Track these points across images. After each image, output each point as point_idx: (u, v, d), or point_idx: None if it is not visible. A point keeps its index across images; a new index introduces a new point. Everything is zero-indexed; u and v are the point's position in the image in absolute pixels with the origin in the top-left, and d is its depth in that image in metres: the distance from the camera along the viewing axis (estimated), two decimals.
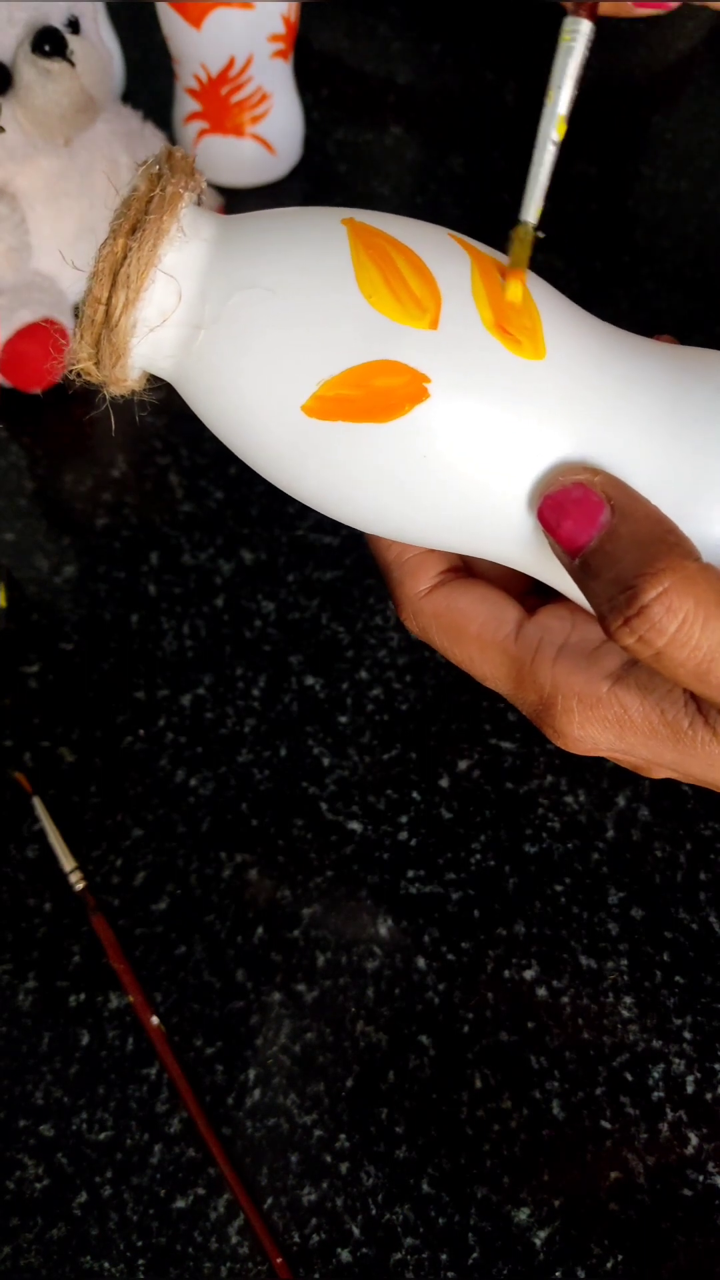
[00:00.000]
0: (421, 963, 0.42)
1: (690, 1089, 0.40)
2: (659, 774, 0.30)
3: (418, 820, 0.45)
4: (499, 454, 0.26)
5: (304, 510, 0.53)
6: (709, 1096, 0.40)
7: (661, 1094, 0.40)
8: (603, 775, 0.46)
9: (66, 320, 0.55)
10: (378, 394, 0.25)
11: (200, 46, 0.58)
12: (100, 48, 0.51)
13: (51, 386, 0.55)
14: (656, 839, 0.45)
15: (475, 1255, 0.37)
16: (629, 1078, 0.40)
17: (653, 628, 0.23)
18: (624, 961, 0.42)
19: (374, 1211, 0.38)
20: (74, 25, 0.50)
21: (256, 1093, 0.40)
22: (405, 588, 0.31)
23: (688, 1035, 0.41)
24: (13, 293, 0.54)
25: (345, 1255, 0.37)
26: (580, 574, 0.25)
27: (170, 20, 0.58)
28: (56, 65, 0.48)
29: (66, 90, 0.49)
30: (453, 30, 0.73)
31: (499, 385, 0.25)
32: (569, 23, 0.26)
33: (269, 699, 0.48)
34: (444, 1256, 0.37)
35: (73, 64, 0.48)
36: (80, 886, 0.43)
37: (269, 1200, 0.38)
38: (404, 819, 0.45)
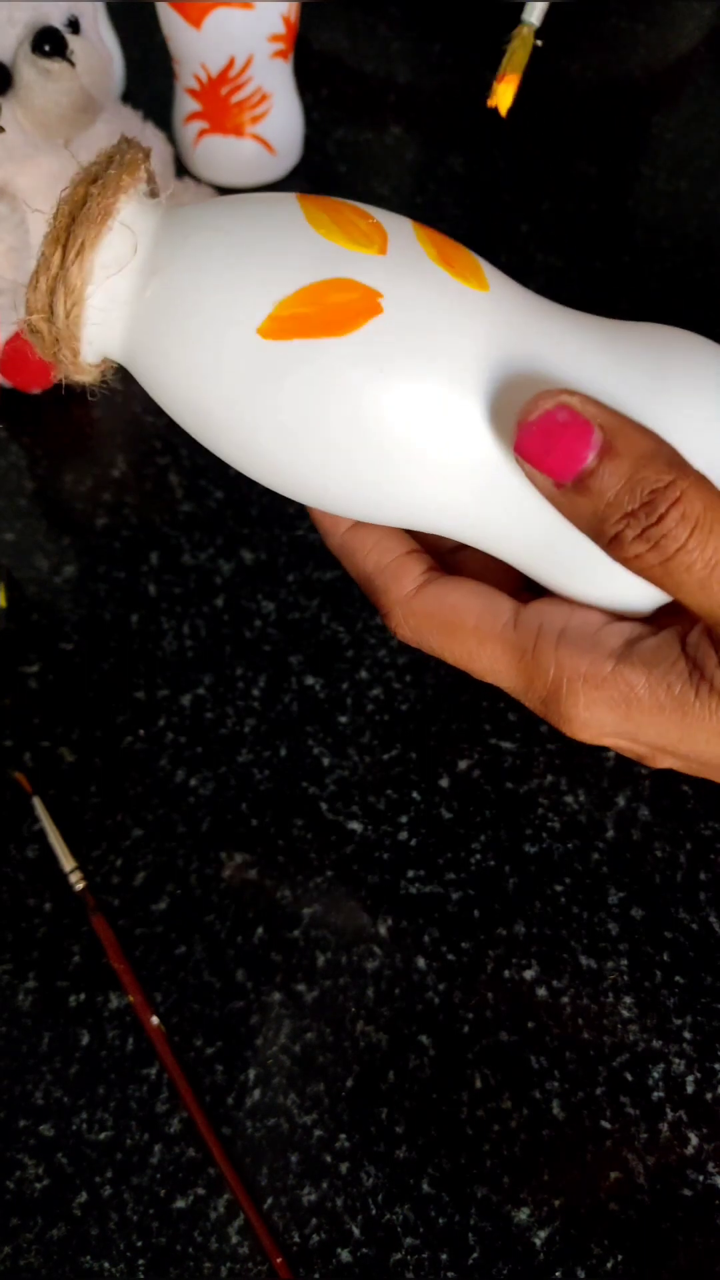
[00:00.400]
0: (421, 963, 0.42)
1: (690, 1089, 0.40)
2: (662, 761, 0.30)
3: (418, 820, 0.45)
4: (453, 371, 0.26)
5: (304, 510, 0.53)
6: (709, 1096, 0.40)
7: (661, 1094, 0.40)
8: (603, 775, 0.46)
9: None
10: (333, 309, 0.25)
11: (200, 46, 0.58)
12: (100, 48, 0.51)
13: (51, 386, 0.55)
14: (656, 839, 0.45)
15: (475, 1255, 0.37)
16: (629, 1078, 0.40)
17: (667, 535, 0.24)
18: (624, 961, 0.42)
19: (374, 1211, 0.38)
20: (74, 25, 0.50)
21: (256, 1093, 0.40)
22: (391, 593, 0.30)
23: (688, 1035, 0.41)
24: (13, 293, 0.54)
25: (345, 1255, 0.37)
26: (573, 495, 0.25)
27: (170, 20, 0.58)
28: (56, 65, 0.48)
29: (66, 90, 0.49)
30: (453, 30, 0.73)
31: (447, 303, 0.26)
32: None
33: (269, 699, 0.48)
34: (444, 1256, 0.37)
35: (73, 64, 0.48)
36: (80, 886, 0.43)
37: (269, 1200, 0.38)
38: (404, 819, 0.45)
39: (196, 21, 0.57)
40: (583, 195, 0.64)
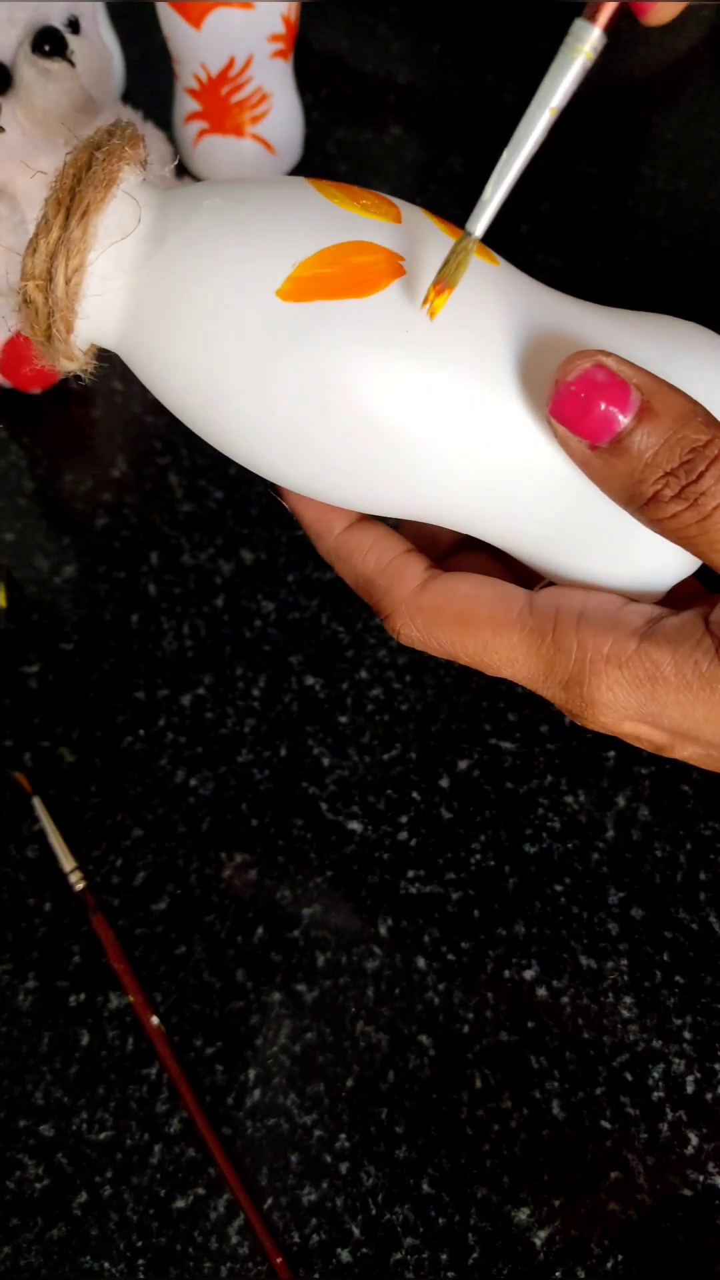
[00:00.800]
0: (421, 963, 0.42)
1: (690, 1089, 0.40)
2: (682, 750, 0.29)
3: (418, 820, 0.45)
4: (478, 334, 0.26)
5: None
6: (709, 1096, 0.40)
7: (661, 1094, 0.40)
8: (603, 775, 0.46)
9: None
10: (356, 269, 0.25)
11: (200, 46, 0.58)
12: (100, 48, 0.51)
13: (51, 386, 0.55)
14: (656, 839, 0.45)
15: (475, 1255, 0.37)
16: (629, 1078, 0.40)
17: (706, 493, 0.24)
18: (624, 961, 0.42)
19: (374, 1211, 0.38)
20: (74, 25, 0.50)
21: (256, 1093, 0.40)
22: (394, 592, 0.29)
23: (688, 1035, 0.41)
24: (12, 293, 0.54)
25: (345, 1255, 0.37)
26: (609, 457, 0.25)
27: (170, 20, 0.58)
28: (56, 65, 0.48)
29: (66, 90, 0.48)
30: (453, 30, 0.72)
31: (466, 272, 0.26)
32: (577, 27, 0.25)
33: (269, 699, 0.48)
34: (444, 1256, 0.37)
35: (73, 64, 0.48)
36: (80, 886, 0.43)
37: (269, 1200, 0.38)
38: (404, 819, 0.45)
39: (196, 21, 0.57)
40: (583, 195, 0.64)
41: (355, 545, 0.30)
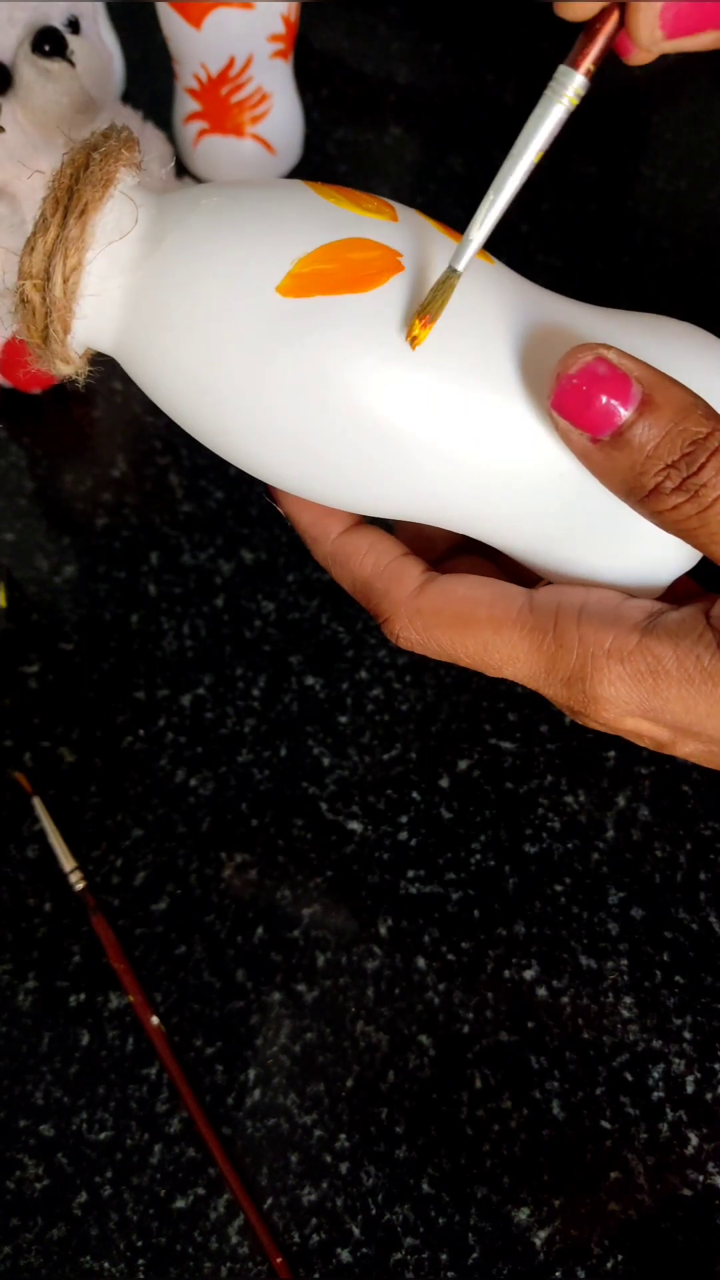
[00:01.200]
0: (421, 963, 0.42)
1: (690, 1089, 0.40)
2: (683, 747, 0.29)
3: (418, 820, 0.45)
4: (477, 329, 0.26)
5: None
6: (709, 1096, 0.40)
7: (661, 1094, 0.40)
8: (603, 775, 0.46)
9: None
10: (356, 265, 0.25)
11: (200, 46, 0.58)
12: (100, 48, 0.51)
13: (51, 387, 0.55)
14: (656, 839, 0.45)
15: (475, 1255, 0.37)
16: (629, 1078, 0.40)
17: (707, 485, 0.24)
18: (624, 961, 0.42)
19: (374, 1211, 0.38)
20: (74, 25, 0.50)
21: (256, 1093, 0.40)
22: (393, 594, 0.29)
23: (688, 1035, 0.41)
24: (10, 293, 0.54)
25: (345, 1255, 0.37)
26: (610, 450, 0.25)
27: (170, 20, 0.58)
28: (56, 65, 0.48)
29: (66, 90, 0.48)
30: (453, 30, 0.72)
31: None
32: (560, 74, 0.25)
33: (269, 699, 0.48)
34: (444, 1256, 0.37)
35: (73, 64, 0.48)
36: (80, 886, 0.43)
37: (269, 1200, 0.38)
38: (404, 819, 0.45)
39: (196, 21, 0.57)
40: (583, 195, 0.64)
41: (352, 549, 0.30)
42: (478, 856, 0.44)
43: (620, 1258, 0.37)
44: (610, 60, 0.26)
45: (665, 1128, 0.39)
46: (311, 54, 0.70)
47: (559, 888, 0.44)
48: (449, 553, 0.33)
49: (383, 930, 0.43)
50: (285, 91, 0.62)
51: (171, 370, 0.26)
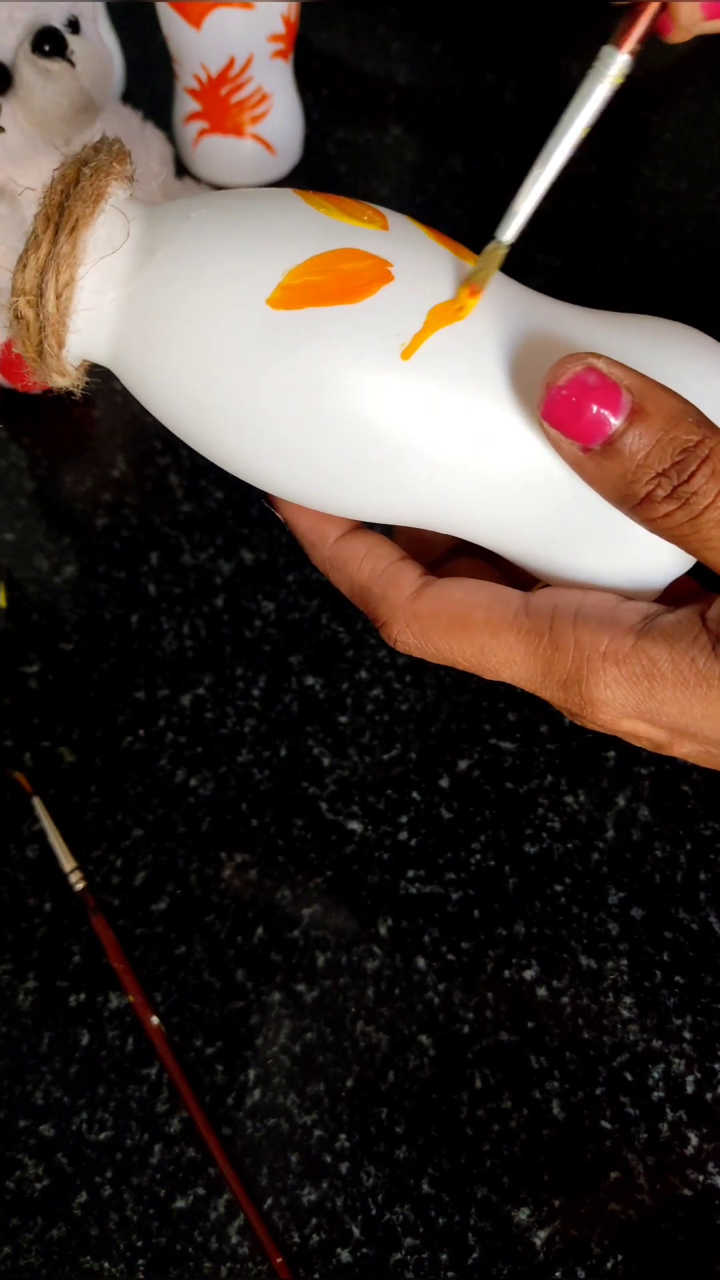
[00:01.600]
0: (421, 963, 0.42)
1: (690, 1089, 0.40)
2: (679, 747, 0.29)
3: (418, 820, 0.45)
4: (468, 338, 0.26)
5: None
6: (709, 1096, 0.40)
7: (661, 1094, 0.40)
8: (603, 775, 0.46)
9: None
10: (345, 276, 0.25)
11: (200, 46, 0.58)
12: (100, 48, 0.51)
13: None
14: (656, 839, 0.45)
15: (475, 1255, 0.37)
16: (629, 1078, 0.40)
17: (698, 493, 0.25)
18: (624, 961, 0.42)
19: (374, 1211, 0.38)
20: (74, 25, 0.50)
21: (256, 1093, 0.40)
22: (390, 598, 0.29)
23: (688, 1035, 0.41)
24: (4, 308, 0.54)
25: (345, 1255, 0.37)
26: (601, 459, 0.25)
27: (170, 20, 0.58)
28: (56, 65, 0.48)
29: (66, 90, 0.48)
30: (453, 30, 0.72)
31: (454, 276, 0.26)
32: (604, 54, 0.26)
33: (269, 699, 0.48)
34: (444, 1256, 0.37)
35: (73, 64, 0.48)
36: (80, 886, 0.43)
37: (269, 1200, 0.38)
38: (404, 819, 0.45)
39: (196, 21, 0.57)
40: (583, 195, 0.64)
41: (349, 554, 0.30)
42: (478, 856, 0.44)
43: (620, 1258, 0.37)
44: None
45: (665, 1128, 0.39)
46: (311, 54, 0.70)
47: (559, 888, 0.44)
48: (447, 555, 0.33)
49: (383, 930, 0.43)
50: (285, 91, 0.62)
51: (167, 382, 0.26)
